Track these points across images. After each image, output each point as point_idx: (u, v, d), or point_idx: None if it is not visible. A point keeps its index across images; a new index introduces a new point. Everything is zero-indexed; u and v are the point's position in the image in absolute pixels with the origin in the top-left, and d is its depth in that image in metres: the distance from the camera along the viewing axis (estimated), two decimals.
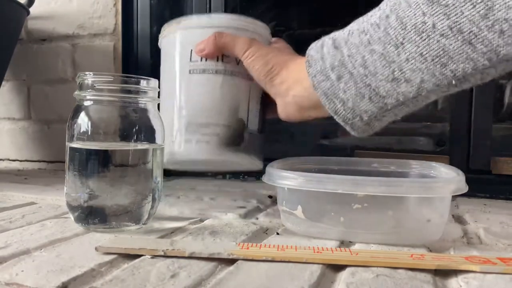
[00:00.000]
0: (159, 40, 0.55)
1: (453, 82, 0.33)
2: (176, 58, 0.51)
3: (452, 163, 0.71)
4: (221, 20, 0.51)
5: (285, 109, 0.45)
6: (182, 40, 0.51)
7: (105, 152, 0.43)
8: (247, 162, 0.50)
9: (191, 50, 0.50)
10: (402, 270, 0.33)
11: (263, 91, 0.49)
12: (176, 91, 0.50)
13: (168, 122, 0.49)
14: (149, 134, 0.45)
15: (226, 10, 0.87)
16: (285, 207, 0.43)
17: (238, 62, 0.49)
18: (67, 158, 0.44)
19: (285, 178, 0.42)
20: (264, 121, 0.53)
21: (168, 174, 0.89)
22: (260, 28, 0.52)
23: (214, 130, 0.48)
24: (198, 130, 0.48)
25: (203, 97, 0.49)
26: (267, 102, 0.51)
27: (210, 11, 0.87)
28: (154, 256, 0.36)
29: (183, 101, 0.50)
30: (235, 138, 0.49)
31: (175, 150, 0.50)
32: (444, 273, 0.34)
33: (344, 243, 0.41)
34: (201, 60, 0.49)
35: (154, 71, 0.93)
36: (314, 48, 0.42)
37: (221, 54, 0.48)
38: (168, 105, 0.51)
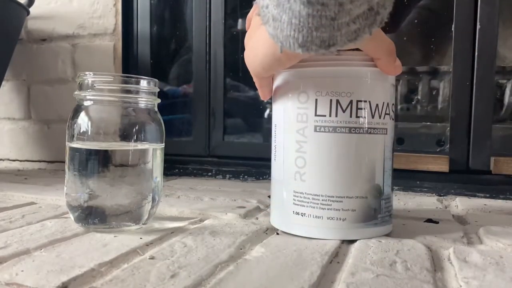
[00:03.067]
0: None
1: None
2: (293, 106, 0.43)
3: (452, 163, 0.71)
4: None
5: None
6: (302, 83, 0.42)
7: (105, 152, 0.43)
8: (384, 232, 0.43)
9: (316, 99, 0.41)
10: (402, 270, 0.33)
11: (393, 142, 0.45)
12: (294, 150, 0.43)
13: (283, 182, 0.44)
14: (149, 134, 0.45)
15: (226, 10, 0.87)
16: None
17: (373, 114, 0.41)
18: (67, 158, 0.44)
19: None
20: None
21: (168, 174, 0.89)
22: None
23: (349, 204, 0.41)
24: (330, 205, 0.41)
25: (334, 162, 0.41)
26: None
27: (210, 11, 0.87)
28: (153, 257, 0.36)
29: (307, 165, 0.42)
30: (372, 211, 0.42)
31: (290, 221, 0.44)
32: (444, 272, 0.34)
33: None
34: (330, 115, 0.41)
35: (154, 71, 0.93)
36: None
37: (356, 108, 0.41)
38: (284, 161, 0.44)
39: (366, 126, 0.41)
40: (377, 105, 0.42)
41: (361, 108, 0.41)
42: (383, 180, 0.43)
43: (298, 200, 0.43)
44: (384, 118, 0.42)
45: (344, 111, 0.41)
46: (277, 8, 0.27)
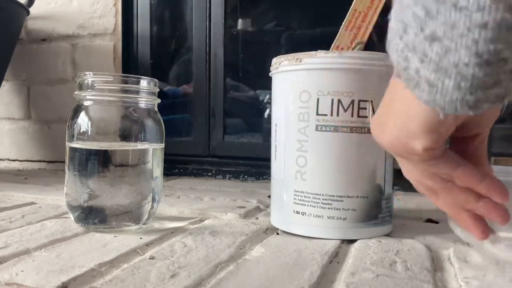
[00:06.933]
0: (271, 71, 0.46)
1: None
2: (295, 105, 0.43)
3: None
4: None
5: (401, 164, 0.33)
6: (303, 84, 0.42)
7: (105, 152, 0.43)
8: (384, 232, 0.44)
9: (318, 99, 0.41)
10: (402, 270, 0.33)
11: None
12: (296, 149, 0.43)
13: (284, 182, 0.44)
14: (149, 134, 0.45)
15: (226, 10, 0.87)
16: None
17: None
18: (67, 158, 0.44)
19: None
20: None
21: (168, 174, 0.89)
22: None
23: (350, 204, 0.41)
24: (330, 204, 0.42)
25: (335, 162, 0.41)
26: None
27: (210, 11, 0.87)
28: (153, 257, 0.36)
29: (308, 164, 0.42)
30: (373, 211, 0.42)
31: (293, 220, 0.44)
32: (444, 272, 0.34)
33: None
34: (331, 114, 0.41)
35: (154, 71, 0.93)
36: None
37: (358, 108, 0.41)
38: (285, 160, 0.44)
39: (368, 126, 0.41)
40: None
41: (363, 108, 0.41)
42: (384, 180, 0.43)
43: (298, 199, 0.43)
44: None
45: (345, 111, 0.41)
46: (435, 73, 0.24)
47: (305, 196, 0.42)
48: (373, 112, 0.41)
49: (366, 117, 0.41)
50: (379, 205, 0.42)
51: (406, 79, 0.26)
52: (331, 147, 0.41)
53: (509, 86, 0.24)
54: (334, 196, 0.41)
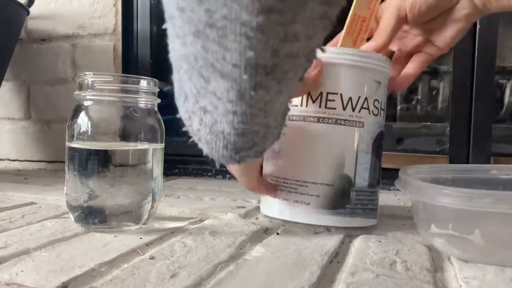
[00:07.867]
0: None
1: None
2: None
3: (452, 163, 0.71)
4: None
5: None
6: None
7: (105, 152, 0.43)
8: (354, 224, 0.44)
9: None
10: (402, 270, 0.33)
11: (376, 137, 0.45)
12: None
13: (265, 168, 0.47)
14: (149, 134, 0.45)
15: None
16: (452, 231, 0.36)
17: (345, 106, 0.43)
18: (67, 158, 0.44)
19: (459, 197, 0.34)
20: (379, 172, 0.46)
21: (168, 174, 0.89)
22: (383, 63, 0.45)
23: (313, 190, 0.43)
24: (296, 189, 0.44)
25: (302, 150, 0.44)
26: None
27: None
28: (153, 257, 0.36)
29: (281, 151, 0.45)
30: (339, 200, 0.43)
31: (266, 204, 0.47)
32: (444, 272, 0.34)
33: None
34: (301, 104, 0.44)
35: (154, 71, 0.93)
36: None
37: (326, 99, 0.43)
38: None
39: (335, 117, 0.43)
40: (350, 98, 0.43)
41: (331, 100, 0.43)
42: (355, 171, 0.44)
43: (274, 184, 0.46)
44: (359, 112, 0.43)
45: (314, 102, 0.43)
46: (210, 135, 0.30)
47: (277, 181, 0.45)
48: (343, 104, 0.43)
49: (334, 108, 0.43)
50: (346, 195, 0.44)
51: (192, 134, 0.32)
52: (300, 135, 0.43)
53: (264, 145, 0.32)
54: (299, 181, 0.44)
